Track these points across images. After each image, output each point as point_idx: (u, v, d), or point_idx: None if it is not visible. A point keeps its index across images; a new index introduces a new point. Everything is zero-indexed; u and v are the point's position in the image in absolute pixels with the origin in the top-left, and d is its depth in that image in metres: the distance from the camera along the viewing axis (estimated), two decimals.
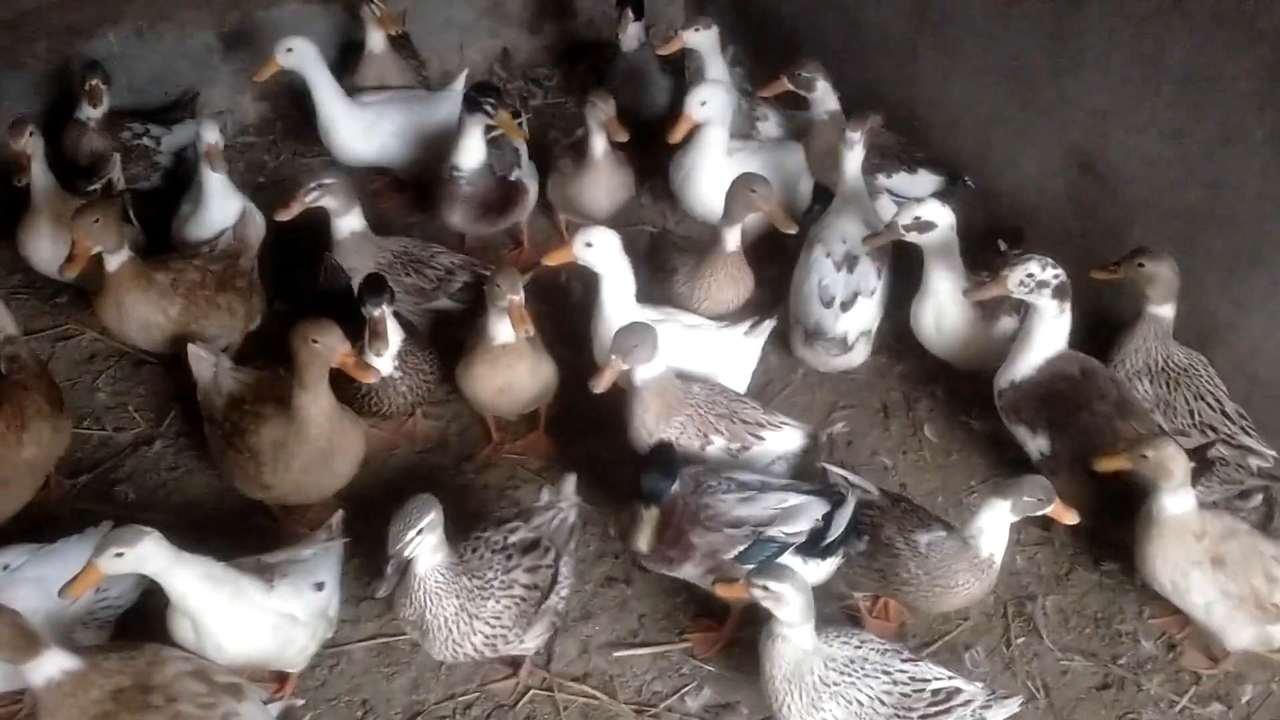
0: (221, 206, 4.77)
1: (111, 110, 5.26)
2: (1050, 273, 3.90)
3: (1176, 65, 4.08)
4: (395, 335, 4.13)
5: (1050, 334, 4.00)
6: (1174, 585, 3.62)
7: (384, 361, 4.11)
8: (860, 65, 5.47)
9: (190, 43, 5.79)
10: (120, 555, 3.22)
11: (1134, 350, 4.16)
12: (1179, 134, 4.16)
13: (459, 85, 5.55)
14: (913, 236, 4.22)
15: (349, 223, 4.61)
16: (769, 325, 4.39)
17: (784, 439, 4.10)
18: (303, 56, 5.07)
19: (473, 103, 4.69)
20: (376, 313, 4.01)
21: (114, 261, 4.30)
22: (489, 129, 4.78)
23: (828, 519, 3.64)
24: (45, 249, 4.67)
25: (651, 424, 3.95)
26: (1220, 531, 3.60)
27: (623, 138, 4.88)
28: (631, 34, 5.62)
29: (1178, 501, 3.55)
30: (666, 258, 4.64)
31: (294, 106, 5.93)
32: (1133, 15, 4.16)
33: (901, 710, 3.27)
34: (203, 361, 4.19)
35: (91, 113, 5.20)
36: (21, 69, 5.58)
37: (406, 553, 3.28)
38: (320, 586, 3.59)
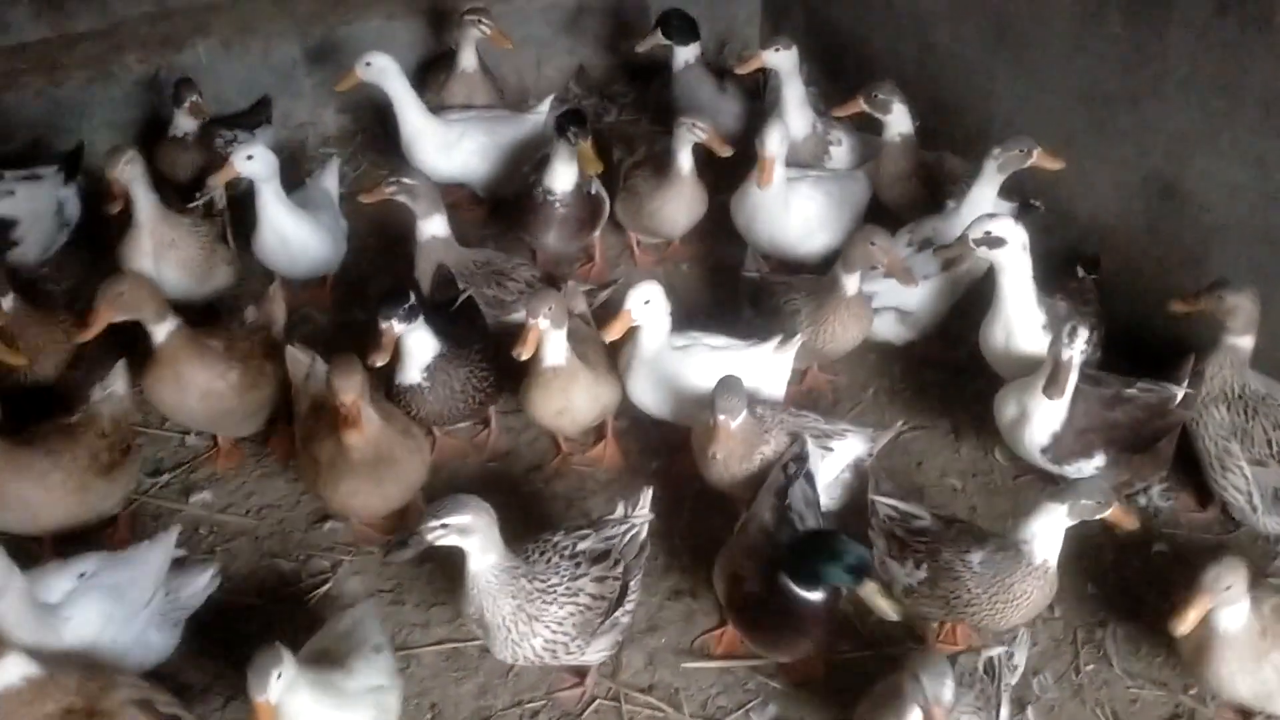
0: (290, 226, 4.88)
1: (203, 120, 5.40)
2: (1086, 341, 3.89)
3: (1259, 90, 4.04)
4: (422, 350, 4.18)
5: None
6: (1256, 695, 3.48)
7: (410, 371, 4.20)
8: (935, 87, 5.47)
9: (275, 55, 5.94)
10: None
11: (1210, 377, 4.11)
12: (1260, 160, 4.12)
13: (544, 108, 5.65)
14: (983, 251, 4.21)
15: (430, 227, 4.70)
16: (799, 340, 4.43)
17: (850, 447, 4.13)
18: (382, 71, 5.18)
19: (561, 129, 4.76)
20: (384, 325, 4.04)
21: (161, 331, 4.13)
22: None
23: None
24: (147, 268, 4.66)
25: (735, 466, 4.00)
26: (1272, 613, 3.46)
27: (727, 153, 4.92)
28: (680, 54, 5.68)
29: (1236, 613, 3.38)
30: (780, 298, 4.66)
31: (375, 119, 6.05)
32: (1215, 40, 4.13)
33: None
34: (299, 362, 4.27)
35: (188, 127, 5.33)
36: (112, 79, 5.75)
37: (428, 538, 3.31)
38: (379, 648, 3.54)
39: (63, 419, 4.08)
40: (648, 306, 4.20)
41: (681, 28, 5.66)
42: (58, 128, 5.74)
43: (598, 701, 3.84)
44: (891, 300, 4.74)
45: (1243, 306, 4.00)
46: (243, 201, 5.13)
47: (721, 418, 3.84)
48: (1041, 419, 4.04)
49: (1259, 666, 3.42)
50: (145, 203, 4.66)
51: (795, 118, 5.34)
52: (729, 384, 3.89)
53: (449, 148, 5.33)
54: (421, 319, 4.12)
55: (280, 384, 4.38)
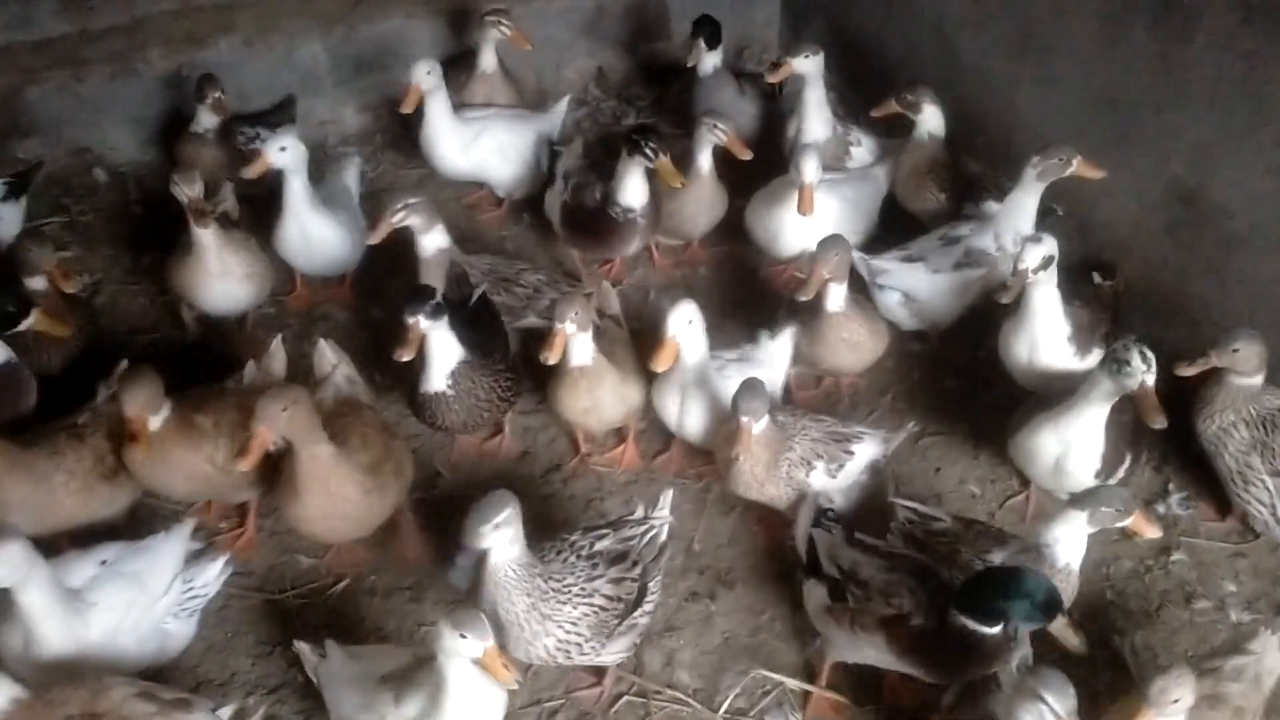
0: (312, 222, 4.90)
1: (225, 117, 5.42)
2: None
3: None
4: (446, 354, 4.16)
5: None
6: None
7: (435, 378, 4.17)
8: (957, 93, 5.47)
9: (297, 54, 5.95)
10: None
11: (1223, 408, 4.08)
12: None
13: (562, 107, 5.69)
14: (1040, 276, 4.17)
15: (434, 240, 4.68)
16: (791, 330, 4.49)
17: (867, 449, 4.15)
18: (437, 77, 5.19)
19: (634, 145, 4.72)
20: (410, 320, 4.03)
21: (158, 420, 3.88)
22: (648, 170, 4.81)
23: None
24: (216, 289, 4.71)
25: (762, 474, 3.99)
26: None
27: (747, 155, 4.93)
28: (708, 59, 5.71)
29: None
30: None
31: (395, 119, 6.05)
32: (1240, 50, 4.13)
33: None
34: (325, 359, 4.26)
35: (210, 124, 5.35)
36: (135, 75, 5.79)
37: (480, 544, 3.33)
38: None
39: (70, 419, 4.05)
40: (690, 326, 4.16)
41: (715, 34, 5.70)
42: (80, 123, 5.77)
43: (624, 698, 3.85)
44: (898, 282, 4.77)
45: (1255, 352, 3.98)
46: (252, 203, 5.17)
47: (745, 419, 3.84)
48: (1088, 445, 3.98)
49: None
50: (198, 229, 4.59)
51: (816, 121, 5.37)
52: (751, 386, 3.90)
53: (467, 146, 5.34)
54: (446, 318, 4.11)
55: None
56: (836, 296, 4.38)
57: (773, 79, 5.42)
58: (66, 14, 5.68)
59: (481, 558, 3.41)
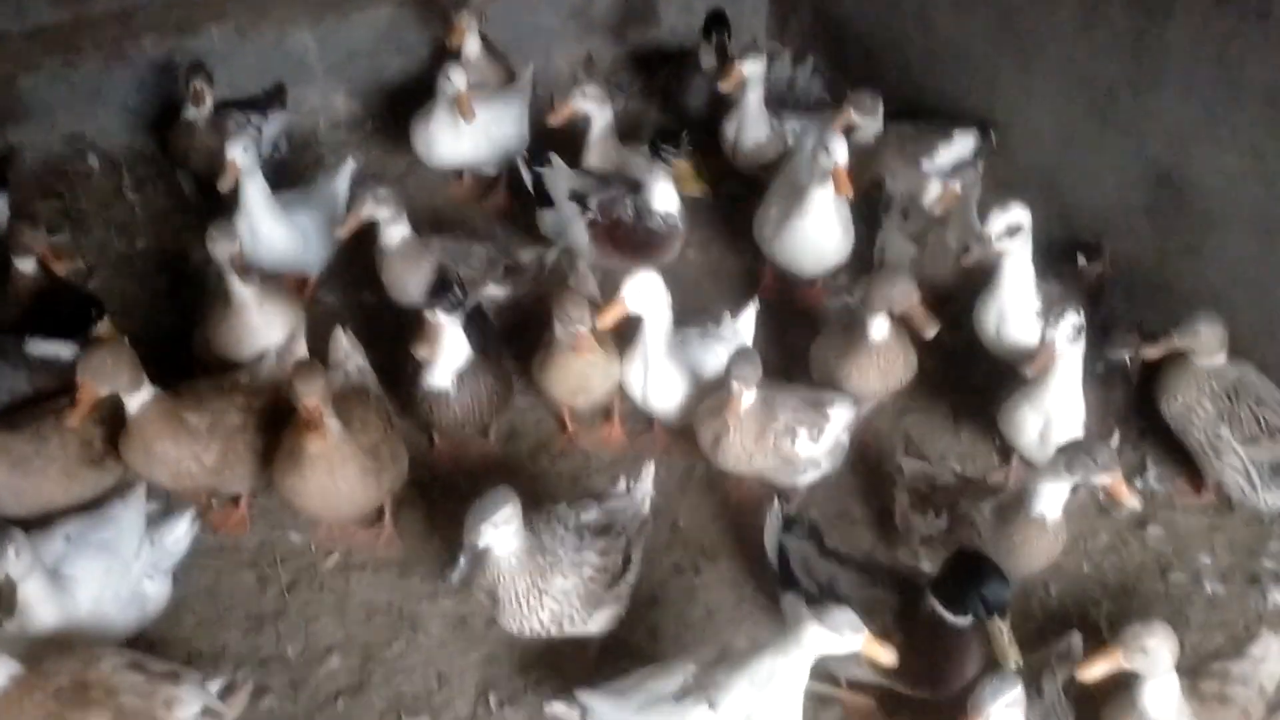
0: (264, 225, 4.83)
1: (216, 105, 5.46)
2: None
3: (1258, 83, 4.10)
4: (456, 351, 4.18)
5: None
6: None
7: (442, 373, 4.19)
8: (941, 78, 5.54)
9: (288, 41, 5.99)
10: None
11: (1185, 387, 4.16)
12: (1259, 150, 4.18)
13: (527, 77, 5.77)
14: (1005, 244, 4.25)
15: (400, 230, 4.66)
16: (753, 307, 4.60)
17: (841, 411, 4.20)
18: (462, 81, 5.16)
19: (654, 150, 4.72)
20: (429, 315, 4.06)
21: (134, 403, 3.84)
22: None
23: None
24: (261, 343, 4.42)
25: (752, 446, 4.03)
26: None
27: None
28: (707, 55, 5.79)
29: (1160, 691, 3.28)
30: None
31: (385, 107, 6.11)
32: (1215, 32, 4.19)
33: None
34: (340, 347, 4.29)
35: (198, 112, 5.40)
36: (127, 62, 5.82)
37: (481, 544, 3.39)
38: None
39: (58, 402, 4.04)
40: (648, 297, 4.15)
41: (726, 34, 5.79)
42: (73, 110, 5.83)
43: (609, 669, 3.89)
44: None
45: (1216, 333, 4.07)
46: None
47: (736, 385, 3.88)
48: (1068, 415, 4.06)
49: None
50: (240, 284, 4.38)
51: (758, 121, 5.39)
52: (745, 354, 3.95)
53: (459, 132, 5.37)
54: (461, 314, 4.13)
55: (264, 455, 4.06)
56: (881, 327, 4.26)
57: (726, 89, 5.36)
58: (60, 2, 5.72)
59: (484, 554, 3.46)
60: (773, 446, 4.05)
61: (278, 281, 4.74)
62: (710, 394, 4.17)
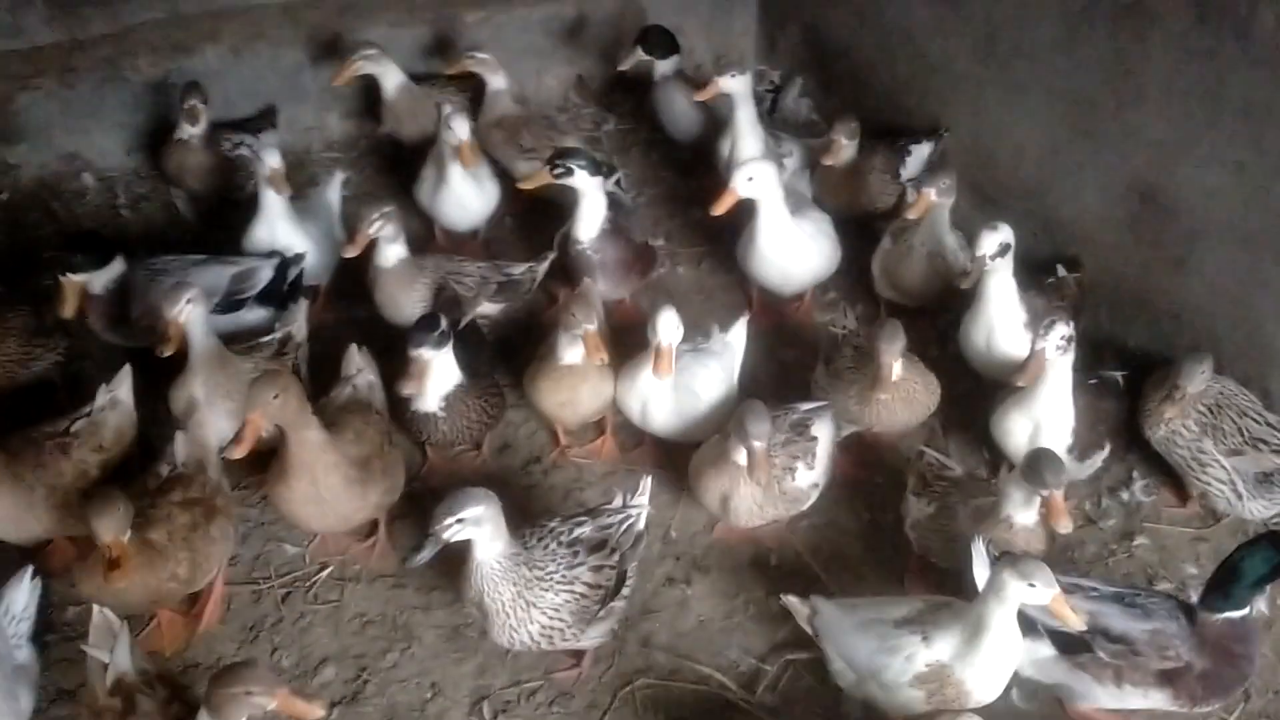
0: (281, 230, 4.97)
1: (210, 124, 5.52)
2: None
3: (1237, 98, 4.17)
4: (444, 378, 4.23)
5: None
6: None
7: (429, 399, 4.23)
8: (927, 97, 5.62)
9: (282, 61, 6.06)
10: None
11: (1170, 417, 4.19)
12: (1240, 165, 4.25)
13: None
14: (997, 263, 4.32)
15: (397, 250, 4.73)
16: (744, 320, 4.64)
17: (824, 426, 4.23)
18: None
19: (554, 168, 4.74)
20: (413, 354, 4.10)
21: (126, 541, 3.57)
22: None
23: None
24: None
25: (762, 498, 4.02)
26: None
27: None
28: (659, 68, 5.88)
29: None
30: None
31: (377, 126, 6.16)
32: (1195, 49, 4.27)
33: None
34: (353, 363, 4.35)
35: (192, 131, 5.46)
36: (123, 82, 5.88)
37: (445, 536, 3.39)
38: None
39: (59, 427, 4.05)
40: (678, 332, 4.18)
41: (661, 43, 5.84)
42: (69, 129, 5.88)
43: (602, 680, 3.94)
44: None
45: (1210, 368, 4.13)
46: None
47: (758, 445, 3.82)
48: (1058, 422, 4.13)
49: None
50: (201, 347, 4.27)
51: (750, 139, 5.41)
52: (754, 409, 3.87)
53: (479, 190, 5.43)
54: (450, 345, 4.18)
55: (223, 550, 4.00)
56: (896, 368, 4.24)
57: (699, 98, 5.44)
58: (56, 22, 5.78)
59: (467, 551, 3.48)
60: (779, 492, 4.06)
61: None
62: (709, 441, 4.19)
